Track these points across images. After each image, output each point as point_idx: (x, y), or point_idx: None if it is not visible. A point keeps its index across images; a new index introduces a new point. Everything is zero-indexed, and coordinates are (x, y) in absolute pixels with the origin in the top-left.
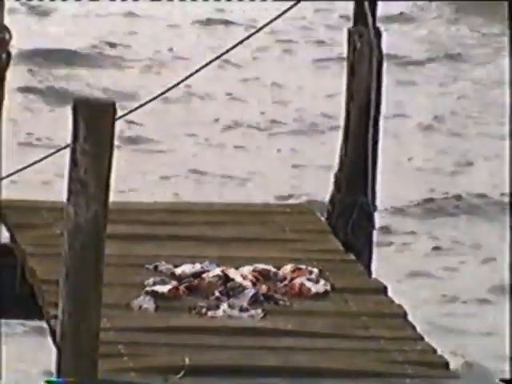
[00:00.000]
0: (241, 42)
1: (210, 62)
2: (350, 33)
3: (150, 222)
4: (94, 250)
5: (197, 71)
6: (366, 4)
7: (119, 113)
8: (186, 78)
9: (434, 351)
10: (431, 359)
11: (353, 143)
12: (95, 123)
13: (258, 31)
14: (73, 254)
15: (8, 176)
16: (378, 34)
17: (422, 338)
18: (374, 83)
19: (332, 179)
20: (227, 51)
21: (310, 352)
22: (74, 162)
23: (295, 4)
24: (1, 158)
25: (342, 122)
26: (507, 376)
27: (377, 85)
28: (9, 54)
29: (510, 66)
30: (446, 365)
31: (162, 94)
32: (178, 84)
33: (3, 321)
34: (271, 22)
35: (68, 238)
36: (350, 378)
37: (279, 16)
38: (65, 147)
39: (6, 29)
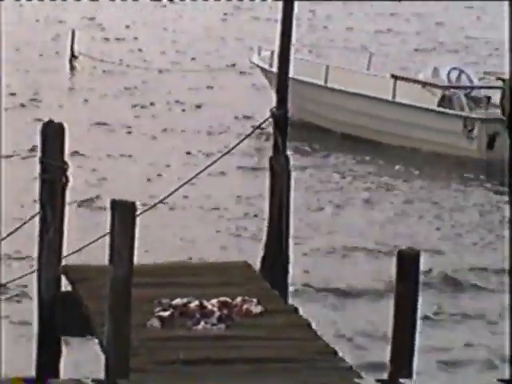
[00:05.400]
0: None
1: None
2: (270, 159)
3: (154, 275)
4: (125, 292)
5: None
6: (280, 139)
7: None
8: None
9: (327, 346)
10: (326, 350)
11: (273, 226)
12: (124, 218)
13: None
14: (112, 295)
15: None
16: (287, 159)
17: (320, 338)
18: (285, 190)
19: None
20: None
21: (253, 346)
22: (112, 239)
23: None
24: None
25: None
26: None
27: (286, 190)
28: (67, 178)
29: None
30: (335, 352)
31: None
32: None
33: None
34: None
35: (109, 285)
36: (279, 363)
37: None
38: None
39: (66, 164)
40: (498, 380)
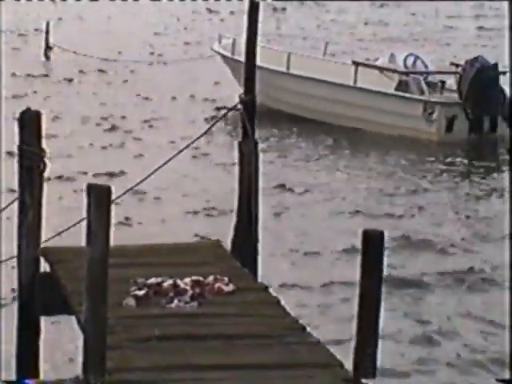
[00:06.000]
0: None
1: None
2: (239, 143)
3: (130, 256)
4: (101, 273)
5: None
6: (248, 124)
7: None
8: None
9: (296, 321)
10: (294, 326)
11: (243, 207)
12: (99, 201)
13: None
14: (89, 276)
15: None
16: (255, 143)
17: (289, 315)
18: (253, 172)
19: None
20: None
21: (225, 323)
22: (89, 222)
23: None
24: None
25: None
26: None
27: (255, 173)
28: (45, 164)
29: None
30: (304, 328)
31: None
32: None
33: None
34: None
35: (87, 266)
36: (250, 338)
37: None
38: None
39: (43, 150)
40: (498, 380)
